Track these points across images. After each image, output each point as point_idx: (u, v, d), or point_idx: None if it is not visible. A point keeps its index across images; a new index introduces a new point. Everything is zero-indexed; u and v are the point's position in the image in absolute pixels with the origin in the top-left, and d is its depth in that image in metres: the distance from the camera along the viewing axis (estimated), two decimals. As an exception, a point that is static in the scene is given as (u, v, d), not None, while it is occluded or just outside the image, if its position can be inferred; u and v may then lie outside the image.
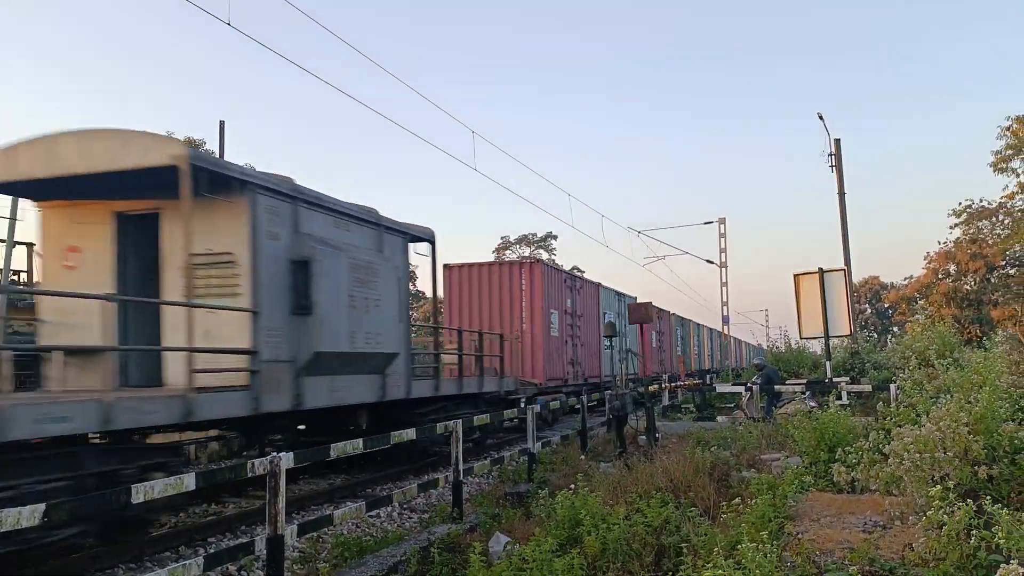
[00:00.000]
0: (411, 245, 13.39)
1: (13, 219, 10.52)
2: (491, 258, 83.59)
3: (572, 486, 9.18)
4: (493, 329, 18.94)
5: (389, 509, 10.84)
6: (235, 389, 8.91)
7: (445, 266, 20.64)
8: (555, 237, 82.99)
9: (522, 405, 15.25)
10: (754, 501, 6.80)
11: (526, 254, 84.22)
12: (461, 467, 9.11)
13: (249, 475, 6.49)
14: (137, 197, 9.72)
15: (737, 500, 6.90)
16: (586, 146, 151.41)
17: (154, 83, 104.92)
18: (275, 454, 6.35)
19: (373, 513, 10.22)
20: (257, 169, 24.15)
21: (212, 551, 8.20)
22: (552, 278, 21.72)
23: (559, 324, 21.39)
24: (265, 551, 6.21)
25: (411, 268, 18.39)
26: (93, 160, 8.62)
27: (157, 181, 8.63)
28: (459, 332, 16.29)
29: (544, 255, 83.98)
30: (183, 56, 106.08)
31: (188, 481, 5.83)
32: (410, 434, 9.58)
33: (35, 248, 13.39)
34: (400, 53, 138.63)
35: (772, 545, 5.32)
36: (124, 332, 9.46)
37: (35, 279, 15.35)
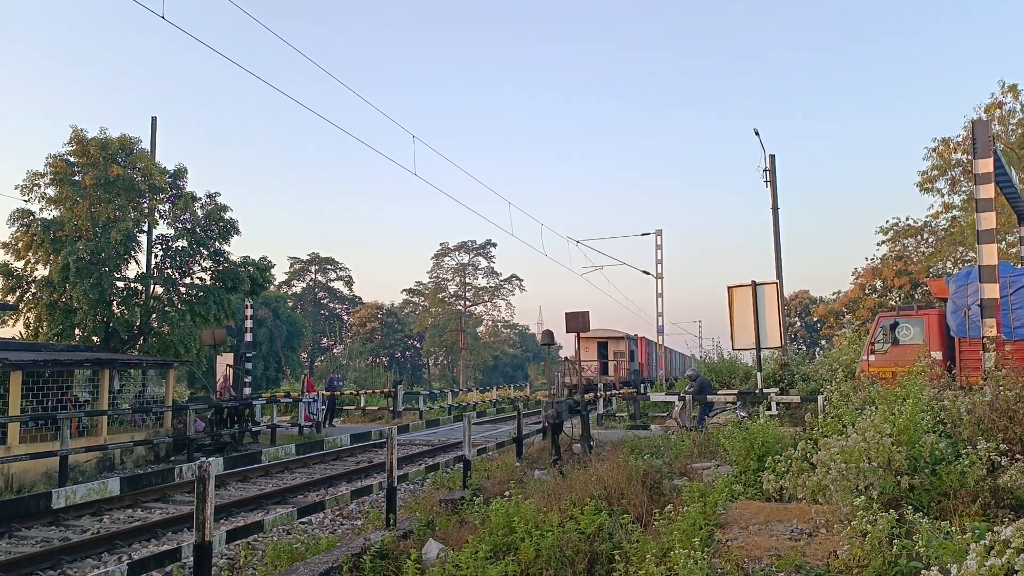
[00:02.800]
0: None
1: None
2: (429, 265, 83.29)
3: (507, 493, 9.16)
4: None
5: (322, 516, 10.66)
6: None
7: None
8: (494, 245, 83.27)
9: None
10: (685, 509, 6.88)
11: (465, 260, 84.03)
12: (396, 473, 8.98)
13: (177, 480, 6.27)
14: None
15: (669, 508, 6.98)
16: (527, 155, 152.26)
17: (85, 78, 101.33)
18: (204, 459, 6.16)
19: (305, 520, 10.02)
20: (188, 170, 23.59)
21: (136, 558, 7.93)
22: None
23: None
24: (192, 558, 6.01)
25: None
26: None
27: None
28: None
29: (483, 262, 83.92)
30: (115, 51, 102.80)
31: (112, 486, 5.60)
32: (344, 440, 9.43)
33: None
34: (340, 54, 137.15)
35: (702, 552, 5.40)
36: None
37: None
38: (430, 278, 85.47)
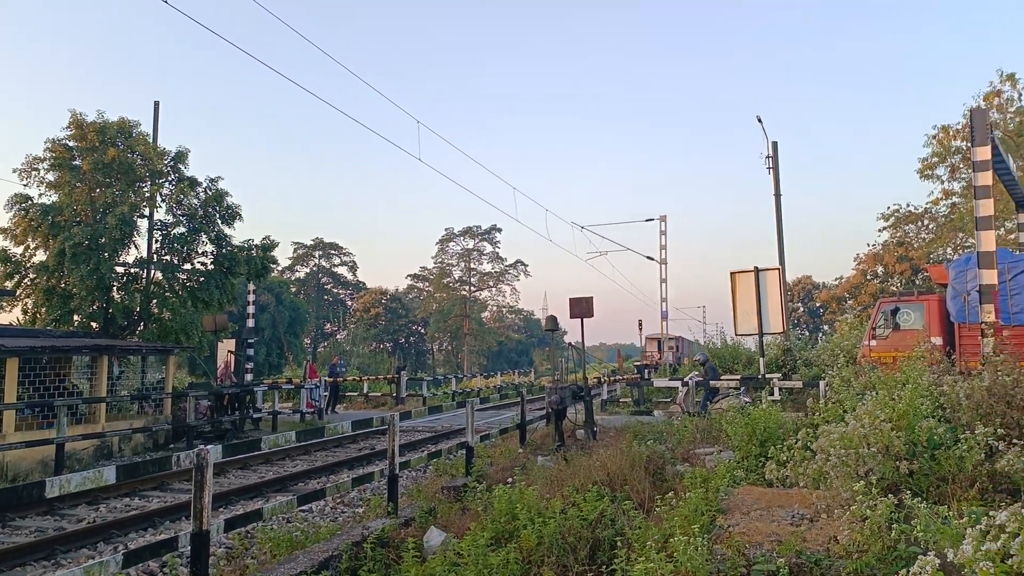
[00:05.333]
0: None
1: None
2: (434, 250, 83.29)
3: (510, 480, 9.17)
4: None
5: (323, 504, 10.68)
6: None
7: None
8: (499, 230, 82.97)
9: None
10: (687, 495, 6.88)
11: (470, 246, 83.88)
12: (397, 460, 8.99)
13: (175, 468, 6.28)
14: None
15: (671, 494, 6.98)
16: (533, 141, 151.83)
17: (85, 62, 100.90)
18: (203, 447, 6.16)
19: (306, 507, 10.05)
20: (190, 154, 23.40)
21: (132, 548, 7.95)
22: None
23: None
24: (189, 547, 6.01)
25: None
26: None
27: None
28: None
29: (488, 248, 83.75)
30: (117, 33, 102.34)
31: (108, 474, 5.60)
32: (346, 427, 9.43)
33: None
34: (345, 39, 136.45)
35: (703, 538, 5.39)
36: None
37: None
38: (435, 263, 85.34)
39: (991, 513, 3.90)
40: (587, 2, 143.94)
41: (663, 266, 37.26)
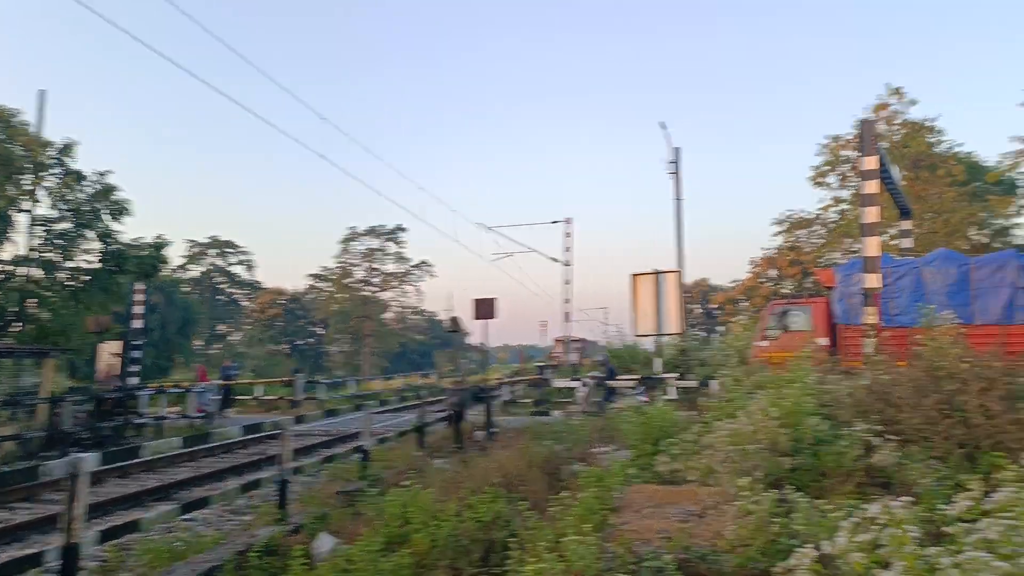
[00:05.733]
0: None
1: None
2: (337, 250, 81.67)
3: (405, 483, 9.01)
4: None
5: (208, 512, 10.21)
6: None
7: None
8: (405, 230, 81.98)
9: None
10: (581, 494, 6.90)
11: (375, 246, 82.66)
12: (290, 465, 8.68)
13: (43, 479, 5.82)
14: None
15: (566, 493, 6.99)
16: (440, 141, 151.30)
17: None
18: (78, 455, 5.75)
19: (190, 516, 9.57)
20: (78, 144, 22.09)
21: (-9, 565, 7.36)
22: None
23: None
24: (58, 562, 5.59)
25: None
26: None
27: None
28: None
29: (393, 247, 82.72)
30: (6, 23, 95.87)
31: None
32: (236, 432, 9.04)
33: None
34: (247, 33, 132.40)
35: (595, 537, 5.41)
36: None
37: None
38: (337, 263, 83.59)
39: (864, 506, 4.04)
40: (490, 2, 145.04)
41: (568, 268, 37.75)
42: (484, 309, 15.88)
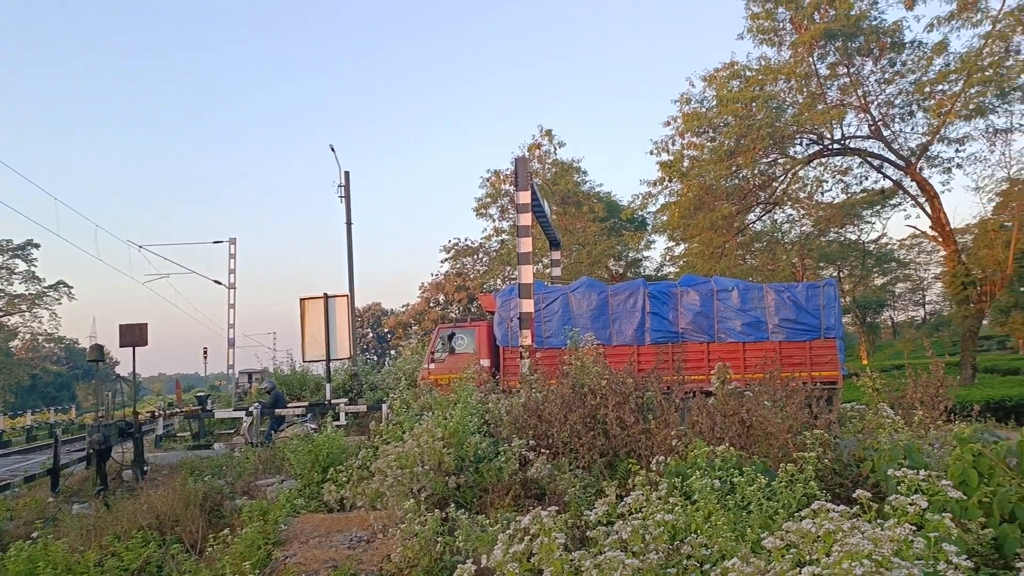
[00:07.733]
0: None
1: None
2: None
3: (34, 535, 7.85)
4: None
5: None
6: None
7: None
8: (37, 246, 70.88)
9: None
10: (244, 530, 6.52)
11: (-5, 263, 70.49)
12: None
13: None
14: None
15: (226, 531, 6.55)
16: (74, 148, 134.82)
17: None
18: None
19: None
20: None
21: None
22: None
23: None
24: None
25: None
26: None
27: None
28: None
29: (21, 265, 71.35)
30: None
31: None
32: None
33: None
34: None
35: (255, 573, 5.13)
36: None
37: None
38: (-59, 283, 69.74)
39: (519, 518, 4.33)
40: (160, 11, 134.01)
41: (232, 291, 35.73)
42: (132, 335, 14.32)
